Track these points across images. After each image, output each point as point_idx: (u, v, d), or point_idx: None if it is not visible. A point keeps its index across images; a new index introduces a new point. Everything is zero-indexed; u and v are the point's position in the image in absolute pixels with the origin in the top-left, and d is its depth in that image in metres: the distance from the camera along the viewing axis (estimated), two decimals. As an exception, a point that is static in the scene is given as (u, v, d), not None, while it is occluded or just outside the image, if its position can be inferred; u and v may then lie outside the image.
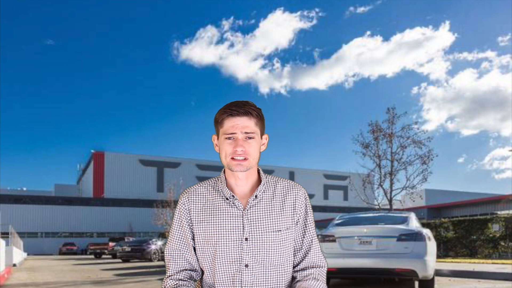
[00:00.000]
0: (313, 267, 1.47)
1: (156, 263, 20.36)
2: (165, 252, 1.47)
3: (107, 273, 13.47)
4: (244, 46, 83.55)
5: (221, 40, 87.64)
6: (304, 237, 1.48)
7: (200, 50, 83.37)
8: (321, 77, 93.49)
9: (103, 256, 32.02)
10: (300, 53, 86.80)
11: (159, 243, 22.86)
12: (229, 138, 1.36)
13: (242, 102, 1.37)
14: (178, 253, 1.45)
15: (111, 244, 32.10)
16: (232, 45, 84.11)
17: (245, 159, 1.36)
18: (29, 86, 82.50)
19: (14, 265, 18.14)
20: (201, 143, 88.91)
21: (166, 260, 1.47)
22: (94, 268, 16.60)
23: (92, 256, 33.20)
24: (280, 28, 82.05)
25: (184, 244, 1.45)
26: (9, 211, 48.42)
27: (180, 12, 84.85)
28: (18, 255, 21.73)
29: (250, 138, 1.37)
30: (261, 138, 1.42)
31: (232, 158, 1.36)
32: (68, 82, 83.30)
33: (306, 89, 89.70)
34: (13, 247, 17.55)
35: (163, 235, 30.33)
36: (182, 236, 1.45)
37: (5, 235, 20.78)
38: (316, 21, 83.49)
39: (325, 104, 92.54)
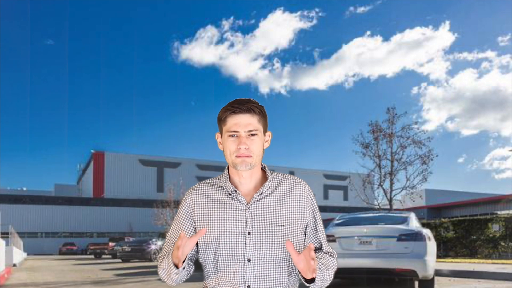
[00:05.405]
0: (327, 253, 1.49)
1: (156, 263, 20.31)
2: None
3: (107, 273, 13.47)
4: (244, 46, 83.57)
5: (221, 40, 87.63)
6: (315, 234, 1.49)
7: (200, 50, 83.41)
8: (321, 77, 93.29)
9: (103, 256, 32.00)
10: (300, 53, 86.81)
11: (159, 243, 22.86)
12: (232, 136, 1.37)
13: (245, 100, 1.38)
14: (167, 248, 1.49)
15: (111, 244, 32.14)
16: (232, 45, 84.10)
17: (249, 156, 1.37)
18: (30, 86, 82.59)
19: (14, 265, 18.14)
20: (201, 143, 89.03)
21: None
22: (94, 268, 16.60)
23: (92, 256, 33.21)
24: (280, 28, 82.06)
25: (176, 239, 1.47)
26: (9, 211, 48.34)
27: (180, 12, 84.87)
28: (18, 255, 21.73)
29: (253, 135, 1.38)
30: (264, 135, 1.43)
31: (236, 156, 1.37)
32: (68, 82, 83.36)
33: (306, 89, 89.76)
34: (13, 247, 17.57)
35: (163, 235, 30.31)
36: (175, 233, 1.48)
37: (5, 235, 20.77)
38: (316, 21, 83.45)
39: (325, 104, 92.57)
